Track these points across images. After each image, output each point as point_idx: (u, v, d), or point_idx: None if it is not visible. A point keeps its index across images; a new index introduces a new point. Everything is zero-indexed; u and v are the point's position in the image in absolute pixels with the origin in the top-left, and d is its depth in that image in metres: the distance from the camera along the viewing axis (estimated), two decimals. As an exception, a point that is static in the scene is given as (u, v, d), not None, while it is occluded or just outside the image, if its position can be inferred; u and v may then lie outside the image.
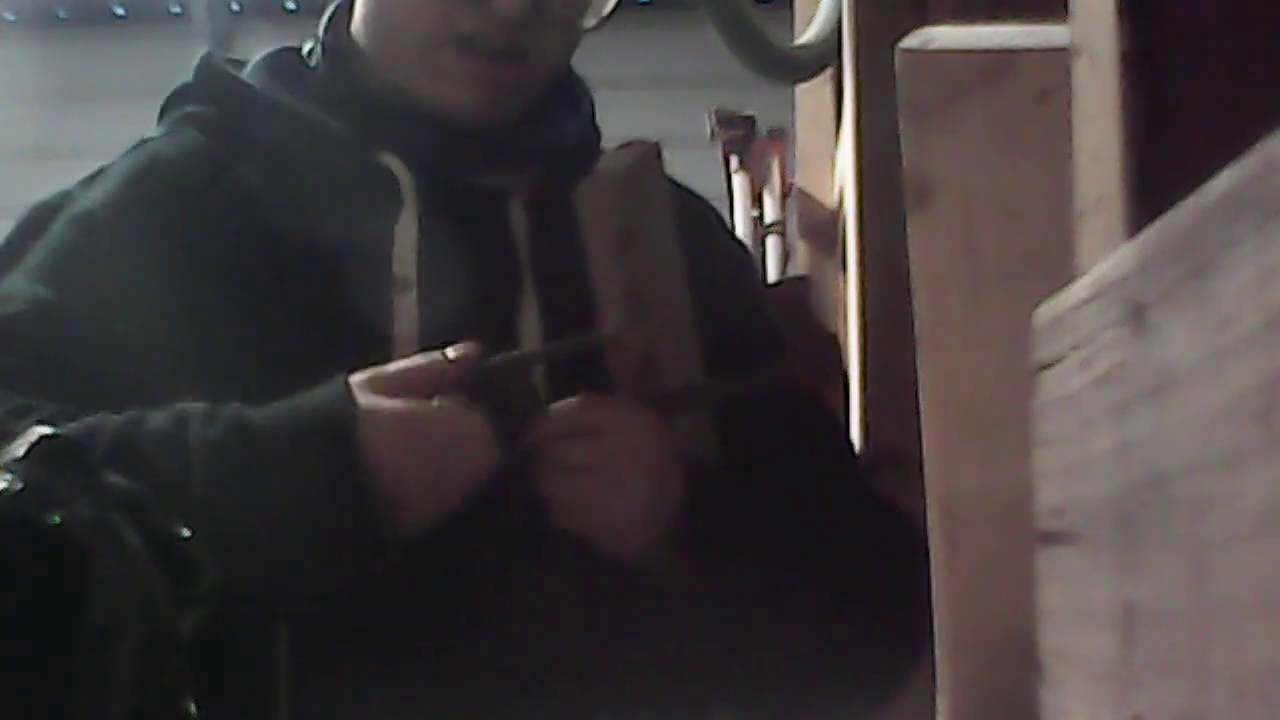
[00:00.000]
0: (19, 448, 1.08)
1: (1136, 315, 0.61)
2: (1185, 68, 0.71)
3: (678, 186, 1.68)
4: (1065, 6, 0.83)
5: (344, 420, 1.41)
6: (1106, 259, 0.68)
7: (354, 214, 1.60)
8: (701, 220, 1.75)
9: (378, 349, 1.53)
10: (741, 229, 5.41)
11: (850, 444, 1.73)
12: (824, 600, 1.52)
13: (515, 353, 1.51)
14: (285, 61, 1.72)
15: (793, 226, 4.30)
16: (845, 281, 2.59)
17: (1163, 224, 0.60)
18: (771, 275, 5.43)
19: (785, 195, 5.16)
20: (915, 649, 1.53)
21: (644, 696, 1.51)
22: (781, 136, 5.19)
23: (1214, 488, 0.54)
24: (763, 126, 5.40)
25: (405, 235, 1.60)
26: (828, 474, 1.61)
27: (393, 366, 1.46)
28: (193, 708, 1.10)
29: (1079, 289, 0.70)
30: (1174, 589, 0.58)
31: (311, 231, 1.58)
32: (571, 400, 1.47)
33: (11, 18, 7.50)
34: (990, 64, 1.02)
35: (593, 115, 1.76)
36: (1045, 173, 0.97)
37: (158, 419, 1.42)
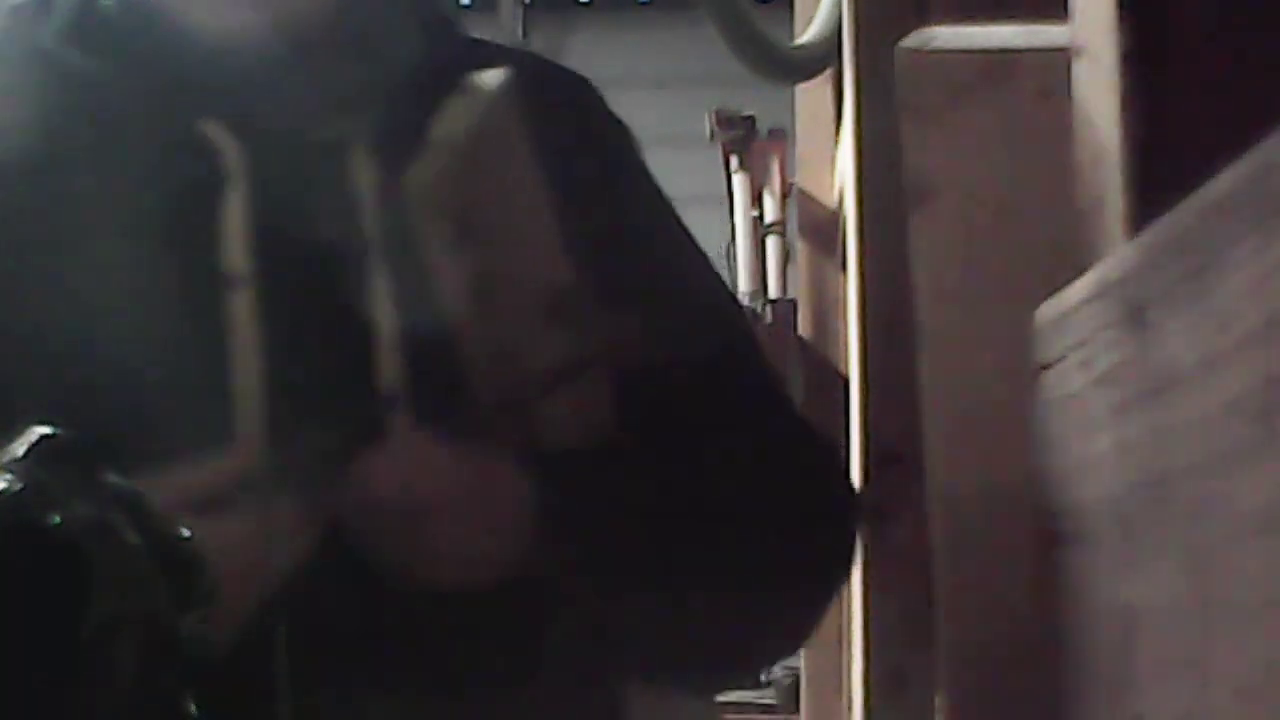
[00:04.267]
0: (19, 448, 1.08)
1: (1136, 315, 0.61)
2: (1185, 68, 0.71)
3: (521, 102, 1.37)
4: (1065, 6, 0.83)
5: None
6: (1106, 259, 0.68)
7: (173, 200, 1.35)
8: (567, 152, 1.42)
9: (214, 362, 1.32)
10: (741, 229, 5.42)
11: (758, 365, 1.50)
12: (736, 541, 1.45)
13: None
14: (82, 11, 1.41)
15: (793, 226, 4.30)
16: (845, 281, 2.59)
17: (1163, 224, 0.60)
18: (772, 275, 5.44)
19: (785, 195, 5.17)
20: (840, 562, 1.48)
21: (559, 694, 1.46)
22: (781, 136, 5.20)
23: (1214, 488, 0.54)
24: (763, 126, 5.41)
25: (233, 220, 1.35)
26: (731, 408, 1.49)
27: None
28: (193, 708, 1.10)
29: (1079, 289, 0.70)
30: (1174, 589, 0.58)
31: (126, 230, 1.35)
32: (372, 455, 1.31)
33: None
34: (990, 64, 1.02)
35: (440, 30, 1.47)
36: (1045, 173, 0.97)
37: None
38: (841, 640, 3.16)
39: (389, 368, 1.35)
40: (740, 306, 1.54)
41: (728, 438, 1.44)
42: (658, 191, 1.53)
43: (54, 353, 1.31)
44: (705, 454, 1.42)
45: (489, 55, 1.43)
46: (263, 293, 1.32)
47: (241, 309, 1.32)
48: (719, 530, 1.42)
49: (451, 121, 1.35)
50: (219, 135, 1.35)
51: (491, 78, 1.38)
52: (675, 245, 1.50)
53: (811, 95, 3.42)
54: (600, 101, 1.58)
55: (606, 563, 1.40)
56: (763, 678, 6.90)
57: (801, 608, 1.56)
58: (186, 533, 1.14)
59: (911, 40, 1.04)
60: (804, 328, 3.54)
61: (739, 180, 5.39)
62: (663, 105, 6.31)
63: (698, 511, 1.42)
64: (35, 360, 1.31)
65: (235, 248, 1.33)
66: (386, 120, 1.39)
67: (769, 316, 5.28)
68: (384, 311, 1.35)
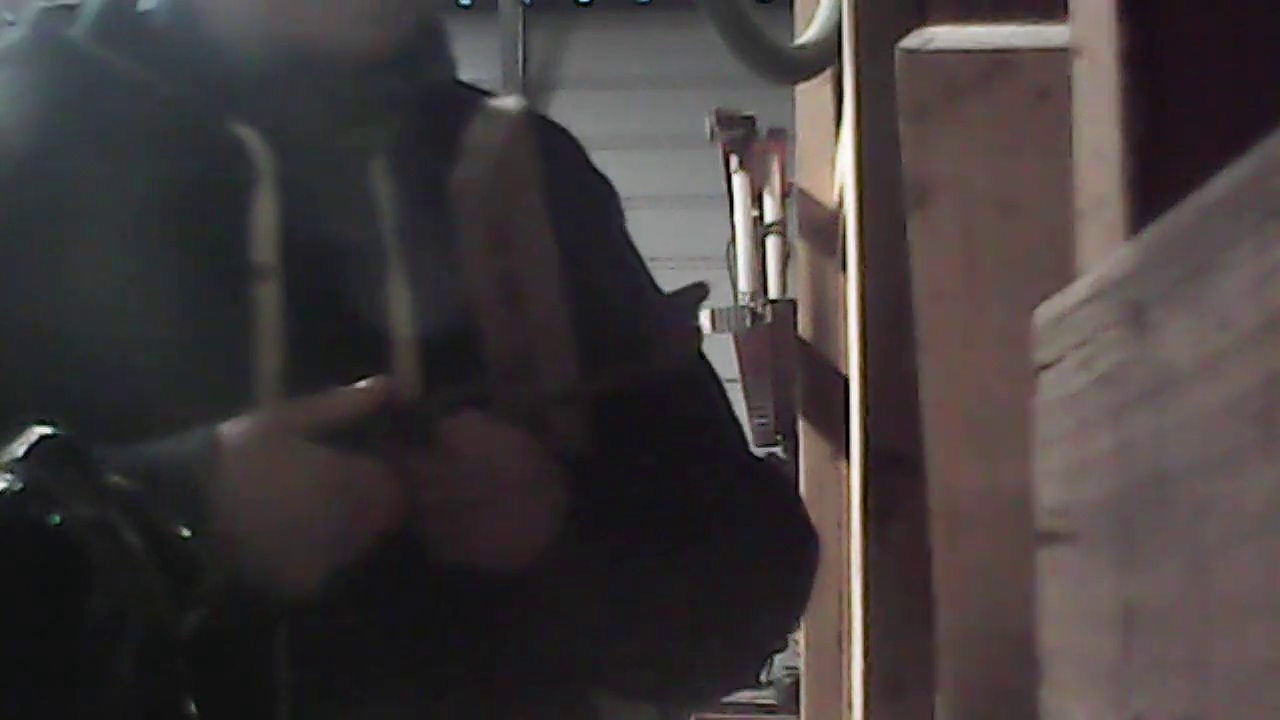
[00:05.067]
0: (19, 448, 1.08)
1: (1136, 315, 0.61)
2: (1185, 68, 0.71)
3: (536, 130, 1.48)
4: (1065, 6, 0.83)
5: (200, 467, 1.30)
6: (1106, 259, 0.68)
7: (204, 197, 1.43)
8: (569, 184, 1.52)
9: (240, 349, 1.39)
10: (741, 229, 5.42)
11: (717, 409, 1.59)
12: (703, 570, 1.49)
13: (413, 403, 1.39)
14: (116, 12, 1.49)
15: (793, 226, 4.30)
16: (845, 281, 2.60)
17: (1163, 224, 0.60)
18: (772, 275, 5.44)
19: (785, 195, 5.18)
20: (798, 600, 1.61)
21: (534, 698, 1.46)
22: (781, 136, 5.21)
23: (1214, 488, 0.54)
24: (763, 126, 5.42)
25: (263, 216, 1.42)
26: (698, 445, 1.54)
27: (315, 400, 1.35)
28: (193, 707, 1.10)
29: (1079, 289, 0.70)
30: (1174, 589, 0.58)
31: (157, 223, 1.41)
32: (444, 429, 1.36)
33: (11, 18, 7.50)
34: (990, 64, 1.02)
35: (450, 50, 1.56)
36: (1045, 173, 0.97)
37: None
38: (841, 640, 3.16)
39: (404, 361, 1.41)
40: (710, 366, 1.59)
41: (702, 471, 1.49)
42: (633, 247, 1.62)
43: (81, 341, 1.37)
44: (682, 484, 1.46)
45: (488, 95, 1.53)
46: (287, 285, 1.40)
47: (268, 299, 1.39)
48: (702, 552, 1.46)
49: (484, 134, 1.43)
50: (250, 138, 1.43)
51: (510, 103, 1.48)
52: (648, 298, 1.57)
53: (811, 95, 3.42)
54: (588, 155, 1.66)
55: (606, 570, 1.42)
56: (763, 677, 6.91)
57: (771, 631, 1.60)
58: (186, 532, 1.14)
59: (911, 40, 1.04)
60: (804, 328, 3.54)
61: (739, 180, 5.40)
62: (663, 105, 6.31)
63: (680, 535, 1.45)
64: (63, 348, 1.37)
65: (264, 242, 1.41)
66: (410, 132, 1.47)
67: (769, 316, 5.29)
68: (401, 309, 1.42)
